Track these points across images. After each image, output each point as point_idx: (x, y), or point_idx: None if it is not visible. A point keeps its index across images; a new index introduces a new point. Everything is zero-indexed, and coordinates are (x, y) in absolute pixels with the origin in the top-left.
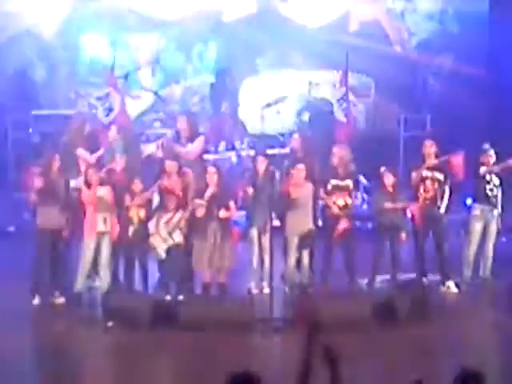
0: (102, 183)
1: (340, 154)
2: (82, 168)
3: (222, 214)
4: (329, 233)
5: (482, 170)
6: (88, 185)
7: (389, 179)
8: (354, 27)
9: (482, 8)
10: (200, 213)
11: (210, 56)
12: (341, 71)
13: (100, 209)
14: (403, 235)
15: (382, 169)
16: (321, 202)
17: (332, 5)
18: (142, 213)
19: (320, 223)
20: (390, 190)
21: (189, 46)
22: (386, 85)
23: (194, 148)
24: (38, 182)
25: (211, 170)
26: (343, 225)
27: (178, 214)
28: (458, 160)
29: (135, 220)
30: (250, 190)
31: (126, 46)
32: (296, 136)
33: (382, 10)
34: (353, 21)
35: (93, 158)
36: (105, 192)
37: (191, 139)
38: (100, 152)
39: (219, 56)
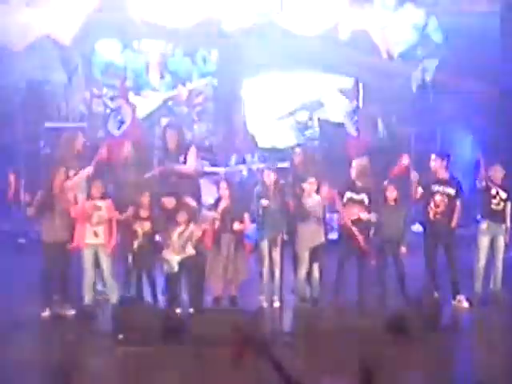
0: (101, 197)
1: (360, 167)
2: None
3: (236, 226)
4: (343, 245)
5: (486, 183)
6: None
7: (392, 193)
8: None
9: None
10: (213, 226)
11: (213, 62)
12: (352, 84)
13: (90, 221)
14: (403, 249)
15: (385, 182)
16: (336, 215)
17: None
18: (147, 226)
19: (332, 236)
20: (393, 203)
21: (194, 51)
22: (395, 97)
23: (191, 161)
24: (40, 196)
25: (223, 185)
26: (359, 238)
27: (191, 227)
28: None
29: (140, 233)
30: (262, 204)
31: (137, 51)
32: (298, 150)
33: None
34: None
35: (77, 178)
36: (99, 205)
37: (182, 152)
38: (87, 170)
39: (225, 65)
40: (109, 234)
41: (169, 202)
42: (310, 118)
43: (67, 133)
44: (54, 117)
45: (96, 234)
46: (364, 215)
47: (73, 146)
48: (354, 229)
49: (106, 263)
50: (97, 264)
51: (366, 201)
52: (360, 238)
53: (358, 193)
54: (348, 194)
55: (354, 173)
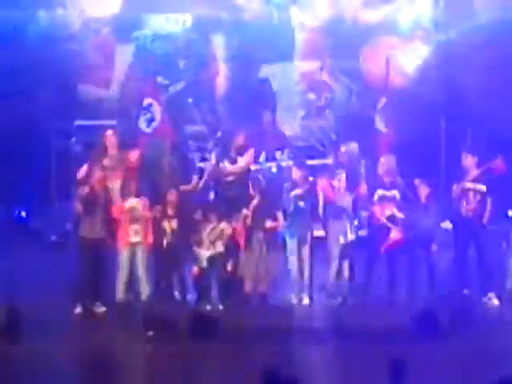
0: (135, 194)
1: (387, 163)
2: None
3: (269, 224)
4: (374, 243)
5: None
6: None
7: (423, 190)
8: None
9: None
10: (246, 223)
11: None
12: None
13: (131, 220)
14: (434, 246)
15: (416, 180)
16: (366, 212)
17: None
18: (175, 223)
19: (365, 233)
20: (424, 201)
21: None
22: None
23: (245, 162)
24: (81, 192)
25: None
26: (395, 236)
27: (222, 224)
28: (498, 165)
29: (168, 231)
30: (294, 193)
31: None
32: (343, 149)
33: None
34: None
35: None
36: (136, 203)
37: (242, 153)
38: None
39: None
40: (146, 233)
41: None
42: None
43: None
44: (85, 114)
45: (137, 233)
46: (397, 211)
47: (107, 145)
48: (390, 225)
49: (142, 261)
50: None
51: (398, 196)
52: (394, 234)
53: (388, 189)
54: (379, 192)
55: (381, 169)
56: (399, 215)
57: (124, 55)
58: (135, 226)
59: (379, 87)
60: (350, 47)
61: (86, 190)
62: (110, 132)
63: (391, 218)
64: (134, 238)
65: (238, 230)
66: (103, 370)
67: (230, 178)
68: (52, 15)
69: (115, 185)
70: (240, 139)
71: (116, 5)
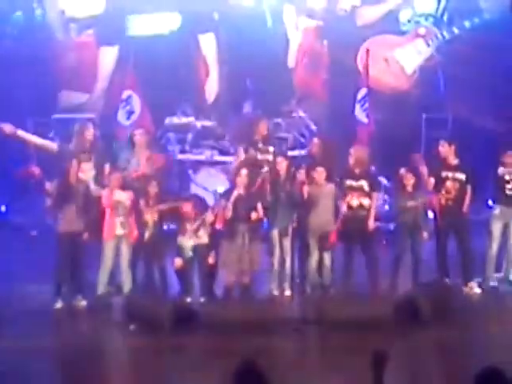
0: (122, 187)
1: (356, 154)
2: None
3: (253, 215)
4: (345, 233)
5: (500, 170)
6: (109, 189)
7: (409, 180)
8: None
9: None
10: (228, 215)
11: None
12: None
13: (118, 213)
14: (425, 234)
15: (402, 170)
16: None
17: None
18: (156, 216)
19: (339, 223)
20: (410, 190)
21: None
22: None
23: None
24: (56, 186)
25: (244, 172)
26: (354, 224)
27: (204, 215)
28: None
29: (150, 223)
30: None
31: None
32: (316, 140)
33: None
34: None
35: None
36: (124, 196)
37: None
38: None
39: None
40: (132, 226)
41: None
42: (321, 106)
43: (78, 124)
44: (63, 108)
45: (123, 226)
46: (365, 201)
47: (84, 137)
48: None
49: (126, 254)
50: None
51: (367, 187)
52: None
53: (356, 180)
54: (347, 182)
55: (350, 160)
56: (366, 205)
57: (108, 58)
58: (121, 219)
59: (359, 77)
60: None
61: (59, 183)
62: (89, 125)
63: (358, 208)
64: (120, 231)
65: (219, 217)
66: (85, 364)
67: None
68: (30, 16)
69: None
70: (263, 128)
71: (99, 5)
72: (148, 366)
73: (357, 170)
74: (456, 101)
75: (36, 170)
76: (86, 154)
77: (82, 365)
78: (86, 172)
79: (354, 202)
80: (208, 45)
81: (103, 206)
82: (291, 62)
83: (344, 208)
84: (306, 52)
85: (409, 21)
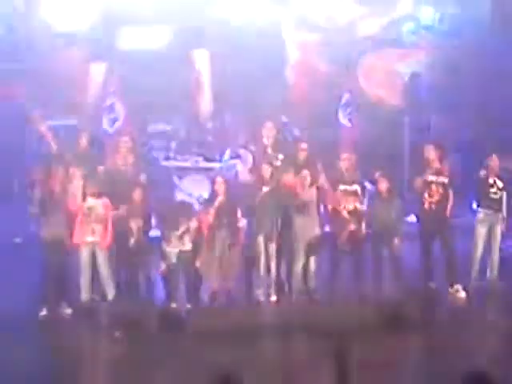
0: (97, 194)
1: (349, 159)
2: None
3: (234, 221)
4: (337, 238)
5: (484, 173)
6: (81, 195)
7: (382, 184)
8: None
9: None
10: (209, 221)
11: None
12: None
13: (89, 219)
14: (396, 240)
15: (377, 174)
16: (329, 207)
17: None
18: (141, 223)
19: (327, 229)
20: (385, 195)
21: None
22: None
23: None
24: (39, 194)
25: (219, 179)
26: (351, 228)
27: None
28: None
29: (135, 230)
30: (256, 198)
31: None
32: (304, 145)
33: None
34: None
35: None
36: (96, 203)
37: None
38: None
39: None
40: (104, 232)
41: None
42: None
43: (71, 131)
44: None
45: (93, 232)
46: (359, 205)
47: (77, 144)
48: (350, 219)
49: (102, 261)
50: (93, 262)
51: (359, 191)
52: (355, 227)
53: (350, 184)
54: (341, 187)
55: (343, 165)
56: (361, 209)
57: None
58: (92, 226)
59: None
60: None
61: (41, 191)
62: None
63: (353, 213)
64: (91, 238)
65: (203, 224)
66: (70, 371)
67: None
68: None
69: (77, 185)
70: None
71: (87, 19)
72: (133, 373)
73: (348, 175)
74: (439, 105)
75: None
76: (79, 160)
77: (68, 372)
78: (77, 178)
79: (350, 206)
80: (200, 59)
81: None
82: (290, 78)
83: (344, 213)
84: (304, 67)
85: (412, 32)
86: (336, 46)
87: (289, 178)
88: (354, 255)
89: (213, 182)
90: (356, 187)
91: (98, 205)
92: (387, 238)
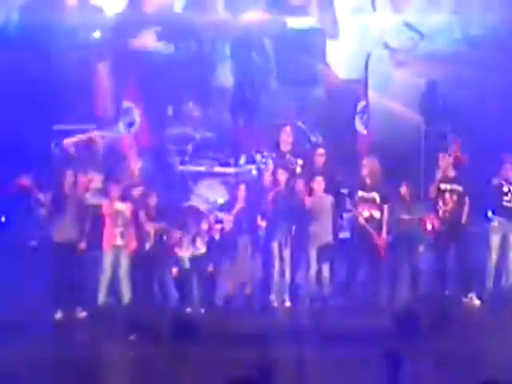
0: (122, 198)
1: (369, 165)
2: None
3: (251, 227)
4: (355, 244)
5: (498, 182)
6: (109, 199)
7: (405, 191)
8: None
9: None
10: (228, 227)
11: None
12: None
13: (118, 223)
14: (421, 248)
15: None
16: (347, 214)
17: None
18: (157, 226)
19: (347, 235)
20: (408, 202)
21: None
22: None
23: None
24: (51, 197)
25: (242, 186)
26: (380, 239)
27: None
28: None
29: (151, 234)
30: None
31: None
32: (321, 151)
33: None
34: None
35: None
36: (123, 207)
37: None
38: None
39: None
40: (131, 236)
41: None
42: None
43: (88, 136)
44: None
45: (122, 236)
46: (376, 213)
47: (94, 149)
48: (368, 226)
49: (125, 265)
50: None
51: (378, 199)
52: (373, 235)
53: (368, 191)
54: (359, 193)
55: (364, 171)
56: (377, 216)
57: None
58: (120, 229)
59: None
60: None
61: (54, 193)
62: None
63: (369, 220)
64: (120, 242)
65: (215, 228)
66: (85, 374)
67: None
68: None
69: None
70: (287, 135)
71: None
72: (148, 377)
73: (369, 182)
74: (455, 113)
75: (26, 181)
76: (96, 165)
77: (83, 375)
78: (96, 183)
79: (366, 214)
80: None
81: (100, 216)
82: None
83: (361, 219)
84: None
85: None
86: (354, 54)
87: (299, 184)
88: (373, 263)
89: (235, 188)
90: (375, 194)
91: (124, 208)
92: (410, 245)
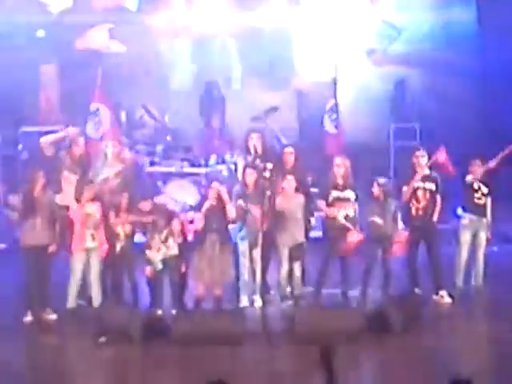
0: (92, 200)
1: (343, 165)
2: (66, 186)
3: (221, 226)
4: (330, 244)
5: (468, 178)
6: (77, 201)
7: (377, 189)
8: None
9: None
10: (198, 226)
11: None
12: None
13: (88, 225)
14: (395, 247)
15: (374, 181)
16: (320, 214)
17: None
18: (128, 228)
19: (319, 234)
20: (380, 201)
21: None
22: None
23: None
24: (20, 199)
25: (215, 185)
26: (355, 238)
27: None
28: (442, 156)
29: (122, 236)
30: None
31: None
32: (290, 149)
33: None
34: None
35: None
36: (94, 208)
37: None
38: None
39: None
40: (101, 238)
41: (145, 205)
42: (289, 116)
43: (68, 137)
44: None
45: (93, 238)
46: (351, 212)
47: (72, 151)
48: (347, 225)
49: (95, 267)
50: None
51: (352, 198)
52: (347, 234)
53: (342, 191)
54: (334, 193)
55: (338, 171)
56: (353, 216)
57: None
58: (91, 231)
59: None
60: None
61: (26, 197)
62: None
63: (345, 219)
64: (91, 244)
65: (187, 227)
66: (55, 378)
67: None
68: None
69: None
70: (257, 140)
71: None
72: (118, 379)
73: (341, 181)
74: (423, 111)
75: None
76: (74, 166)
77: (52, 378)
78: (71, 184)
79: (342, 213)
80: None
81: (71, 218)
82: None
83: (340, 218)
84: None
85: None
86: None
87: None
88: (342, 262)
89: (208, 187)
90: (349, 194)
91: (95, 210)
92: (385, 244)
